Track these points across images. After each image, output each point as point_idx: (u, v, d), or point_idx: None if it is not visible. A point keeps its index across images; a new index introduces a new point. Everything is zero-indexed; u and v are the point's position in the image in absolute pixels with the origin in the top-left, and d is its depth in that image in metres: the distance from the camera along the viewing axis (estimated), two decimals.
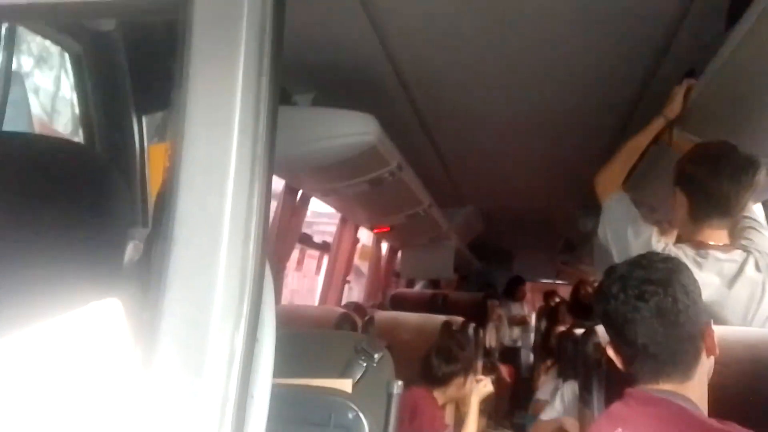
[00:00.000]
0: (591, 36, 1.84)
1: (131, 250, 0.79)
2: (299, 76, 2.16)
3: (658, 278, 1.16)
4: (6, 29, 1.30)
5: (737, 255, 1.59)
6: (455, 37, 1.87)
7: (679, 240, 1.78)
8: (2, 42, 1.30)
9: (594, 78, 2.15)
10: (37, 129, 1.95)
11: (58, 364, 0.59)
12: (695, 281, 1.19)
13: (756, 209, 2.49)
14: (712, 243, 1.62)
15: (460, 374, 2.38)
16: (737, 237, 1.67)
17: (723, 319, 1.57)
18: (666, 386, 1.14)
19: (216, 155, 0.65)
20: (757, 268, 1.57)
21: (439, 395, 2.36)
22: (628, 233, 1.72)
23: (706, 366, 1.18)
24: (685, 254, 1.60)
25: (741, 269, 1.57)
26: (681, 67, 1.88)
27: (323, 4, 1.68)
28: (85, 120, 1.65)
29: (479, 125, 2.69)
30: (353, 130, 1.99)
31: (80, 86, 1.62)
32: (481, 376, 2.44)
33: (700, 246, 1.62)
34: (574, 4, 1.65)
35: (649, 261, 1.22)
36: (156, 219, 0.75)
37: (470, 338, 3.35)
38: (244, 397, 0.65)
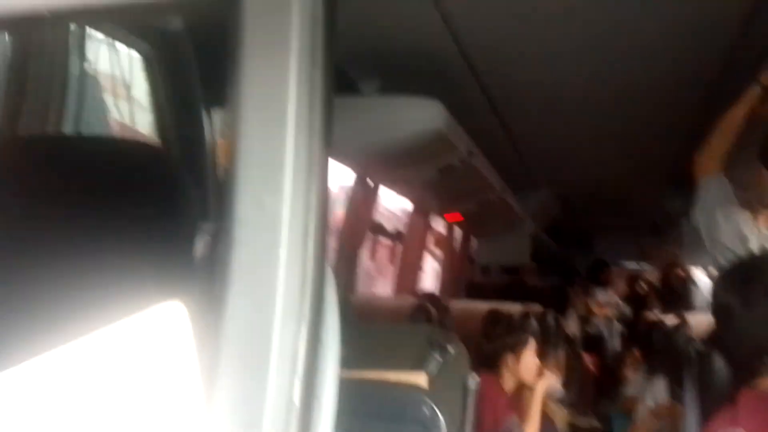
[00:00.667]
0: (669, 7, 1.71)
1: (202, 246, 0.79)
2: (364, 62, 2.14)
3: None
4: (77, 32, 1.35)
5: None
6: (524, 15, 1.79)
7: None
8: (76, 45, 1.35)
9: (674, 50, 2.00)
10: (117, 130, 2.03)
11: (119, 369, 0.59)
12: None
13: None
14: None
15: (506, 351, 2.26)
16: None
17: None
18: None
19: (271, 152, 0.63)
20: None
21: (504, 381, 2.27)
22: (717, 216, 1.61)
23: None
24: None
25: None
26: None
27: None
28: (158, 119, 1.69)
29: (552, 106, 2.58)
30: (420, 117, 1.95)
31: (152, 86, 1.66)
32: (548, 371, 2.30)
33: None
34: None
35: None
36: (217, 217, 0.74)
37: (551, 327, 3.25)
38: (309, 401, 0.64)
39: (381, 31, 1.91)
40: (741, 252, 1.52)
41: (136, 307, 0.66)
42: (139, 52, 1.63)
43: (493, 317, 2.50)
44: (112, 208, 0.92)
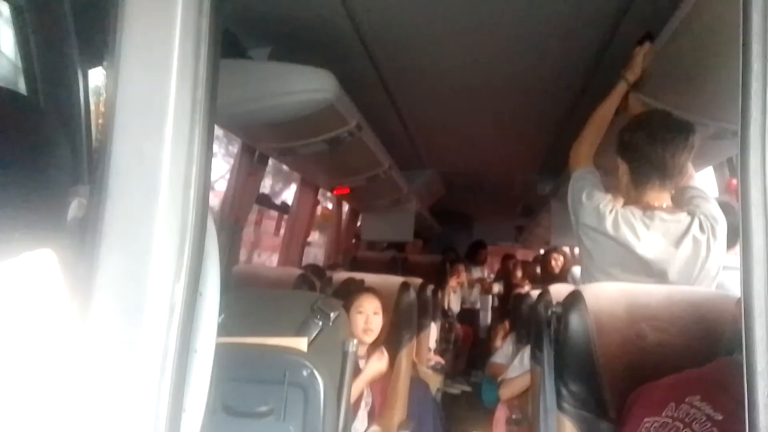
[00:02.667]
0: (550, 5, 1.83)
1: (75, 208, 0.75)
2: (254, 29, 2.09)
3: None
4: None
5: (683, 216, 1.66)
6: None
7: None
8: None
9: (553, 42, 2.14)
10: None
11: None
12: None
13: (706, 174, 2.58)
14: (656, 205, 1.67)
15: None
16: (685, 205, 1.72)
17: (669, 278, 1.63)
18: None
19: (153, 99, 0.62)
20: (702, 229, 1.64)
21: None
22: (582, 196, 1.76)
23: None
24: (633, 215, 1.66)
25: (687, 230, 1.63)
26: (639, 30, 1.89)
27: None
28: (28, 74, 1.56)
29: (440, 87, 2.66)
30: (310, 86, 1.94)
31: (22, 39, 1.53)
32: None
33: (646, 208, 1.68)
34: None
35: None
36: (93, 173, 0.71)
37: (429, 299, 3.40)
38: (185, 349, 0.64)
39: None
40: (599, 228, 1.68)
41: (8, 253, 0.63)
42: (9, 1, 1.49)
43: (346, 283, 2.54)
44: None
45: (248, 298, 1.78)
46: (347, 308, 2.23)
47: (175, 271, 0.64)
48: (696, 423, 0.98)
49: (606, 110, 1.90)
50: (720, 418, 0.96)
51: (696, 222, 1.64)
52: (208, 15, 0.65)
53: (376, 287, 2.37)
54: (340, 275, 2.76)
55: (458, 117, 3.18)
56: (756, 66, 0.63)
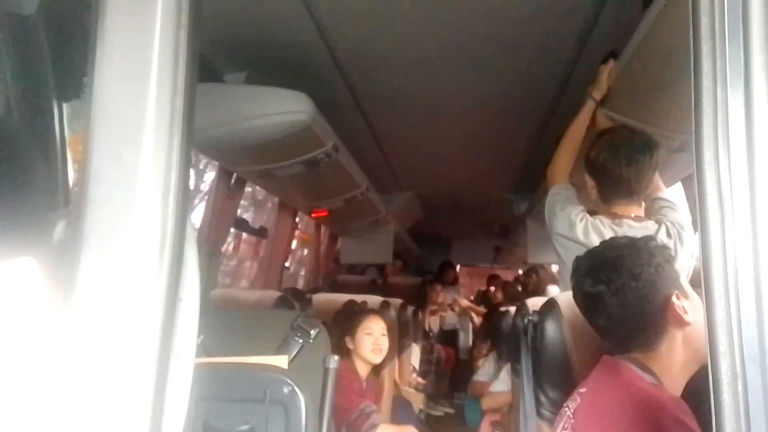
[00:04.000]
0: (518, 23, 1.90)
1: (60, 230, 0.76)
2: (230, 54, 2.12)
3: (612, 264, 1.21)
4: None
5: (650, 224, 1.73)
6: (391, 19, 1.88)
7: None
8: None
9: (523, 63, 2.21)
10: None
11: None
12: (649, 263, 1.20)
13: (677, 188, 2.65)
14: (625, 215, 1.75)
15: (346, 334, 2.37)
16: (654, 214, 1.79)
17: None
18: (634, 354, 1.20)
19: (132, 107, 0.64)
20: (668, 234, 1.70)
21: (358, 367, 2.34)
22: (557, 208, 1.82)
23: (677, 338, 1.19)
24: (602, 223, 1.72)
25: (654, 235, 1.68)
26: (604, 49, 1.96)
27: None
28: (4, 105, 1.57)
29: (414, 109, 2.71)
30: (286, 108, 1.97)
31: None
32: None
33: (615, 217, 1.75)
34: None
35: (605, 248, 1.28)
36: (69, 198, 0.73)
37: (409, 319, 3.41)
38: (166, 353, 0.64)
39: (250, 23, 1.91)
40: (570, 235, 1.73)
41: None
42: None
43: (349, 305, 2.58)
44: None
45: (227, 319, 1.78)
46: (353, 330, 2.26)
47: (155, 275, 0.65)
48: (570, 401, 1.19)
49: (577, 128, 1.97)
50: (583, 390, 1.17)
51: (663, 228, 1.70)
52: (186, 28, 0.68)
53: None
54: (320, 297, 2.76)
55: (433, 139, 3.23)
56: (706, 83, 0.67)
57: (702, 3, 0.64)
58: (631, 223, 1.72)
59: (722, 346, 0.57)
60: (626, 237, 1.29)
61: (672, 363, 1.18)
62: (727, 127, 0.64)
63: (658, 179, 1.90)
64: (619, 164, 1.71)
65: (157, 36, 0.66)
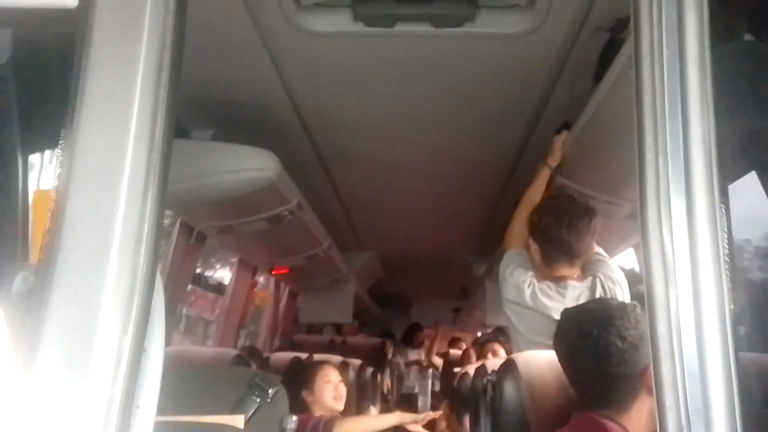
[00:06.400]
0: (479, 93, 2.01)
1: (19, 282, 0.75)
2: (198, 111, 2.16)
3: (602, 322, 1.24)
4: None
5: (588, 281, 1.84)
6: (356, 83, 1.96)
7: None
8: None
9: (482, 131, 2.32)
10: None
11: None
12: (635, 327, 1.22)
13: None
14: (567, 275, 1.85)
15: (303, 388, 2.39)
16: (590, 269, 1.89)
17: None
18: (607, 412, 1.22)
19: (110, 159, 0.66)
20: (603, 287, 1.81)
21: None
22: (506, 274, 1.88)
23: (647, 403, 1.20)
24: (548, 288, 1.80)
25: (592, 291, 1.81)
26: (558, 120, 2.08)
27: (225, 41, 1.71)
28: None
29: (377, 170, 2.78)
30: (252, 165, 2.00)
31: None
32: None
33: (559, 280, 1.84)
34: (463, 64, 1.80)
35: (595, 306, 1.32)
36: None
37: (368, 380, 3.36)
38: (129, 402, 0.64)
39: (218, 83, 1.96)
40: (519, 301, 1.80)
41: None
42: None
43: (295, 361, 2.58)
44: None
45: (182, 376, 1.73)
46: (310, 381, 2.25)
47: (122, 326, 0.66)
48: None
49: (533, 193, 2.05)
50: None
51: (598, 282, 1.82)
52: (165, 87, 0.71)
53: None
54: (277, 356, 2.71)
55: (395, 200, 3.29)
56: (649, 155, 0.73)
57: (645, 82, 0.71)
58: (575, 284, 1.82)
59: (668, 401, 0.60)
60: (616, 299, 1.34)
61: (641, 426, 1.21)
62: (669, 196, 0.70)
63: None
64: (560, 230, 1.81)
65: (138, 92, 0.69)
